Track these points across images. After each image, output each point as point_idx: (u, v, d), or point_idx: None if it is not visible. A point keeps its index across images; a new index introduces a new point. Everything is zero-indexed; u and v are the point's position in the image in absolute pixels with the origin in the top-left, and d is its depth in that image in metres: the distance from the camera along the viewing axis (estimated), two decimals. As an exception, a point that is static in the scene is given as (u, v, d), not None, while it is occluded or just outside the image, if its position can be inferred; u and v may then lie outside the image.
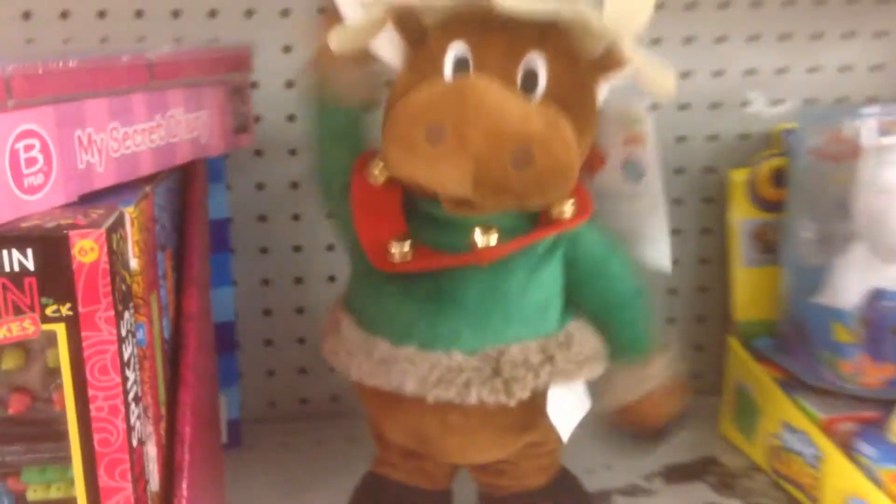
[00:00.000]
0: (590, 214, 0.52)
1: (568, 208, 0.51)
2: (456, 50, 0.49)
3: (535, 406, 0.52)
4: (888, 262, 0.65)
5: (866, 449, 0.60)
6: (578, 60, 0.50)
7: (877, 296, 0.63)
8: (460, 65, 0.49)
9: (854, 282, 0.65)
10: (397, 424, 0.56)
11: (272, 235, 0.78)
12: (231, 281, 0.73)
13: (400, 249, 0.50)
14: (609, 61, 0.50)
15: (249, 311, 0.79)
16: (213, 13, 0.72)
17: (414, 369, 0.51)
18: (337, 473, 0.70)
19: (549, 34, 0.49)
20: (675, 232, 0.81)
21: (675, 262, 0.81)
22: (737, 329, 0.77)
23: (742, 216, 0.77)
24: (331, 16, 0.52)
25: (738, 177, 0.77)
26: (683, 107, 0.79)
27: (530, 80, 0.49)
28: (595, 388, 0.56)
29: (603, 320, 0.55)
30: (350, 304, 0.56)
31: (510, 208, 0.49)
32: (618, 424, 0.58)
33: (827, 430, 0.64)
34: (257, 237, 0.78)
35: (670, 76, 0.49)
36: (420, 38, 0.51)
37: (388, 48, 0.51)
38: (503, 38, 0.48)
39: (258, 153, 0.75)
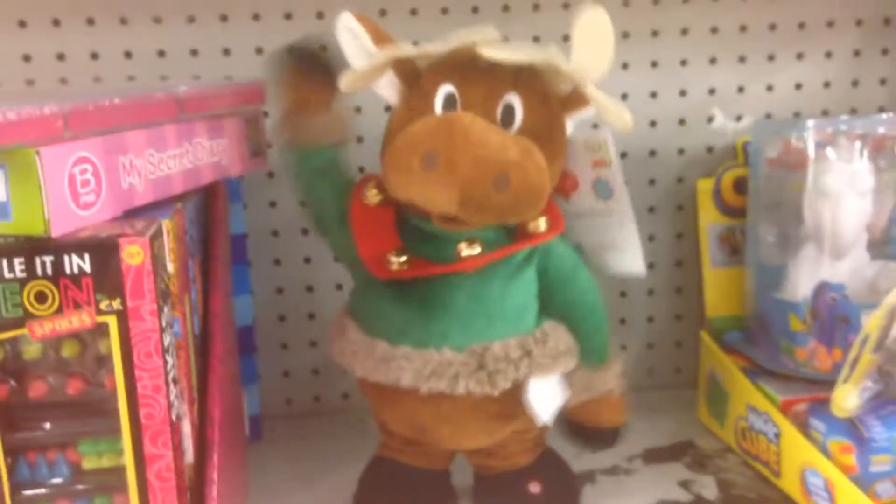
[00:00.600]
0: (561, 229, 0.60)
1: (542, 224, 0.59)
2: (445, 90, 0.57)
3: (517, 397, 0.60)
4: (835, 259, 0.72)
5: (818, 425, 0.67)
6: (549, 99, 0.58)
7: (822, 288, 0.71)
8: (448, 103, 0.57)
9: (806, 277, 0.72)
10: (397, 415, 0.63)
11: (285, 249, 0.86)
12: (250, 290, 0.81)
13: (397, 260, 0.58)
14: (575, 100, 0.58)
15: (266, 317, 0.87)
16: (226, 52, 0.81)
17: (409, 365, 0.58)
18: (348, 463, 0.75)
19: (524, 77, 0.57)
20: (651, 238, 0.89)
21: (653, 265, 0.90)
22: (709, 325, 0.84)
23: (709, 221, 0.84)
24: (293, 73, 0.62)
25: (704, 186, 0.84)
26: (653, 124, 0.87)
27: (508, 115, 0.57)
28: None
29: (567, 326, 0.62)
30: (353, 311, 0.64)
31: (491, 224, 0.57)
32: (565, 421, 0.66)
33: (785, 410, 0.71)
34: (271, 250, 0.86)
35: (626, 113, 0.56)
36: (414, 79, 0.59)
37: (387, 87, 0.60)
38: (485, 80, 0.56)
39: (271, 175, 0.83)
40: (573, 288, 0.62)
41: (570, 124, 0.60)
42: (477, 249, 0.58)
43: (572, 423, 0.66)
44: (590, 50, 0.54)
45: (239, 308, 0.78)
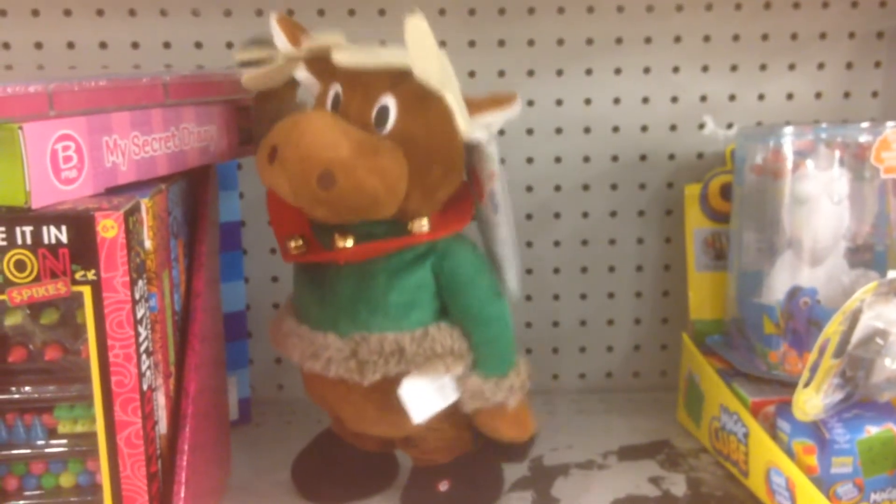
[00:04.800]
0: (447, 233, 0.62)
1: (422, 225, 0.61)
2: (334, 90, 0.60)
3: None
4: (811, 266, 0.73)
5: (784, 425, 0.69)
6: (430, 102, 0.59)
7: (795, 292, 0.72)
8: (335, 102, 0.60)
9: (782, 282, 0.74)
10: (312, 389, 0.67)
11: (280, 238, 0.88)
12: (242, 276, 0.84)
13: (293, 244, 0.63)
14: (475, 105, 0.59)
15: (261, 304, 0.89)
16: (229, 45, 0.84)
17: (299, 343, 0.63)
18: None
19: (403, 80, 0.58)
20: (640, 241, 0.91)
21: (641, 268, 0.91)
22: (693, 328, 0.86)
23: (696, 226, 0.86)
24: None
25: (692, 191, 0.86)
26: (645, 129, 0.88)
27: (382, 117, 0.59)
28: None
29: (464, 332, 0.63)
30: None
31: (333, 219, 0.59)
32: (476, 431, 0.67)
33: (755, 411, 0.72)
34: (268, 239, 0.89)
35: (465, 122, 0.58)
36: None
37: (308, 84, 0.63)
38: (365, 83, 0.59)
39: (269, 166, 0.86)
40: (468, 296, 0.63)
41: (473, 132, 0.60)
42: (349, 242, 0.60)
43: (480, 433, 0.67)
44: (420, 55, 0.56)
45: (231, 293, 0.81)
